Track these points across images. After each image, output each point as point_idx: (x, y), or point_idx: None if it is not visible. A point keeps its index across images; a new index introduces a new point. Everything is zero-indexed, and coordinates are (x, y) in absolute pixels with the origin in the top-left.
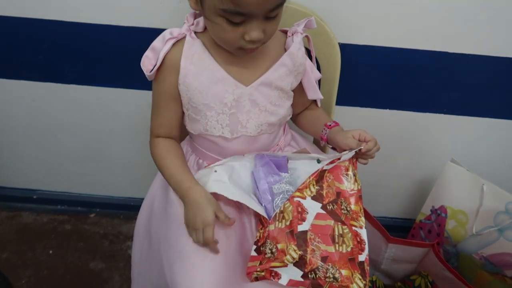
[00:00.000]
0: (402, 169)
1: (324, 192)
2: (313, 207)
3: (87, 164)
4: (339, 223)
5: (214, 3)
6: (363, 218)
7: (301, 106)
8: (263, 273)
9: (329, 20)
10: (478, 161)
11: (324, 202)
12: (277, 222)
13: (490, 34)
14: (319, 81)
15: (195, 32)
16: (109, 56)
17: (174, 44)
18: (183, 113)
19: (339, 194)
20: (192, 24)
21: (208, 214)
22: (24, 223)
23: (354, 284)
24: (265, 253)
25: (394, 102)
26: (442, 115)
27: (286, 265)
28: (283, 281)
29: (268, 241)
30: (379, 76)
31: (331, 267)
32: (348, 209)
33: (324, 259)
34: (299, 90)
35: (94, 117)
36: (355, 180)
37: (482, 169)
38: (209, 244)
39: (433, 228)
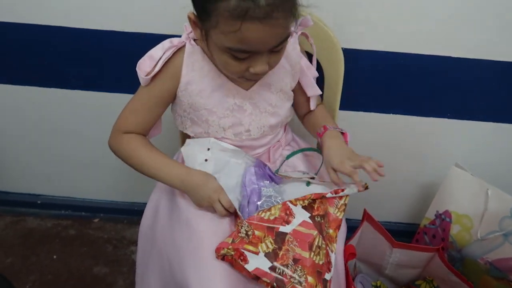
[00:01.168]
0: (406, 174)
1: (315, 205)
2: (301, 214)
3: (91, 169)
4: (321, 236)
5: (220, 41)
6: (335, 245)
7: (304, 107)
8: (232, 253)
9: (332, 26)
10: (482, 165)
11: (313, 213)
12: (261, 212)
13: (493, 39)
14: (323, 85)
15: (194, 40)
16: (113, 62)
17: (174, 53)
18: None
19: (326, 214)
20: (191, 32)
21: (215, 183)
22: (28, 228)
23: None
24: (239, 232)
25: (397, 107)
26: (446, 119)
27: (257, 253)
28: (250, 267)
29: (246, 223)
30: (383, 80)
31: (300, 270)
32: (328, 231)
33: (295, 260)
34: (299, 90)
35: (98, 122)
36: (343, 210)
37: (487, 174)
38: (231, 207)
39: (438, 233)
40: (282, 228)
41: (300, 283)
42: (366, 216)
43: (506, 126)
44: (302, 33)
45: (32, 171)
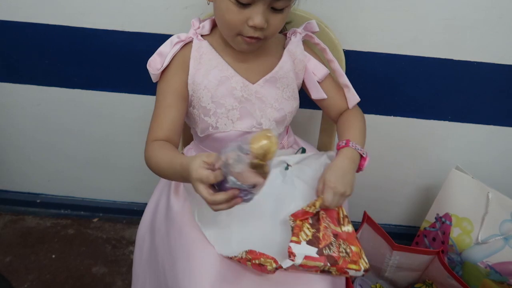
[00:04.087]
0: (406, 176)
1: (320, 235)
2: (306, 250)
3: (91, 169)
4: (340, 208)
5: None
6: (364, 258)
7: (333, 109)
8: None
9: (334, 27)
10: (483, 168)
11: (320, 246)
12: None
13: (494, 42)
14: None
15: (202, 36)
16: (114, 61)
17: (182, 47)
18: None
19: (336, 236)
20: (198, 28)
21: (194, 166)
22: (27, 227)
23: (362, 260)
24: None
25: (398, 109)
26: (447, 122)
27: (299, 242)
28: (298, 259)
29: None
30: (384, 83)
31: (343, 243)
32: (348, 250)
33: (335, 236)
34: (330, 91)
35: (98, 122)
36: (348, 222)
37: (487, 177)
38: (212, 199)
39: (438, 236)
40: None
41: (348, 254)
42: (366, 218)
43: (507, 129)
44: (307, 35)
45: (31, 170)
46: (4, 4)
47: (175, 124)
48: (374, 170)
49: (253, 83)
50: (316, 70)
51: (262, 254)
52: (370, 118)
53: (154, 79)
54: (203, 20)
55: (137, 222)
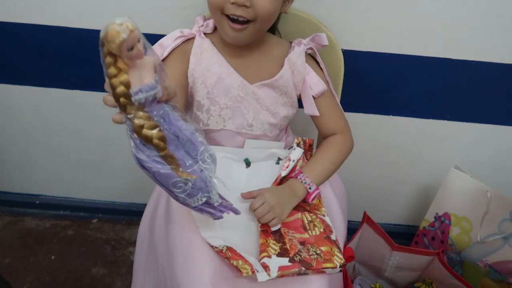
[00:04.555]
0: (405, 176)
1: (287, 246)
2: (278, 261)
3: (90, 170)
4: (306, 212)
5: None
6: (323, 209)
7: (321, 129)
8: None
9: (332, 27)
10: (482, 167)
11: (290, 255)
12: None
13: (493, 41)
14: None
15: (204, 34)
16: None
17: (184, 42)
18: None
19: (303, 243)
20: (202, 26)
21: None
22: (26, 228)
23: (335, 257)
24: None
25: (397, 109)
26: (445, 121)
27: (270, 256)
28: (273, 271)
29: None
30: (383, 82)
31: (311, 247)
32: (318, 252)
33: (302, 243)
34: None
35: (97, 122)
36: (314, 226)
37: (486, 176)
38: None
39: (437, 235)
40: (273, 228)
41: (319, 255)
42: (366, 218)
43: (506, 128)
44: (311, 48)
45: (30, 171)
46: (2, 5)
47: None
48: (373, 170)
49: (251, 84)
50: (313, 84)
51: (241, 257)
52: (369, 118)
53: None
54: (208, 19)
55: (136, 223)
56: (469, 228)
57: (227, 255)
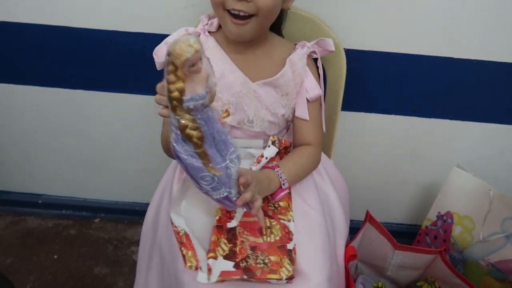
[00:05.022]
0: (407, 175)
1: (237, 249)
2: (223, 265)
3: (92, 169)
4: (266, 218)
5: None
6: (291, 213)
7: (298, 134)
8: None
9: (334, 26)
10: (484, 166)
11: (236, 260)
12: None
13: (495, 40)
14: (325, 86)
15: (209, 32)
16: (114, 62)
17: None
18: None
19: (254, 248)
20: (206, 24)
21: None
22: (28, 228)
23: (283, 268)
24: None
25: (399, 108)
26: (447, 120)
27: (216, 258)
28: (214, 276)
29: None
30: (384, 81)
31: (261, 254)
32: (266, 261)
33: (253, 248)
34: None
35: (98, 122)
36: (271, 233)
37: (489, 175)
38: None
39: (439, 234)
40: (230, 224)
41: (266, 264)
42: (369, 217)
43: (508, 127)
44: (314, 52)
45: (33, 171)
46: (2, 5)
47: None
48: (376, 169)
49: (253, 82)
50: (310, 88)
51: (192, 248)
52: (371, 117)
53: (159, 67)
54: (213, 17)
55: (138, 222)
56: (471, 227)
57: (182, 239)
